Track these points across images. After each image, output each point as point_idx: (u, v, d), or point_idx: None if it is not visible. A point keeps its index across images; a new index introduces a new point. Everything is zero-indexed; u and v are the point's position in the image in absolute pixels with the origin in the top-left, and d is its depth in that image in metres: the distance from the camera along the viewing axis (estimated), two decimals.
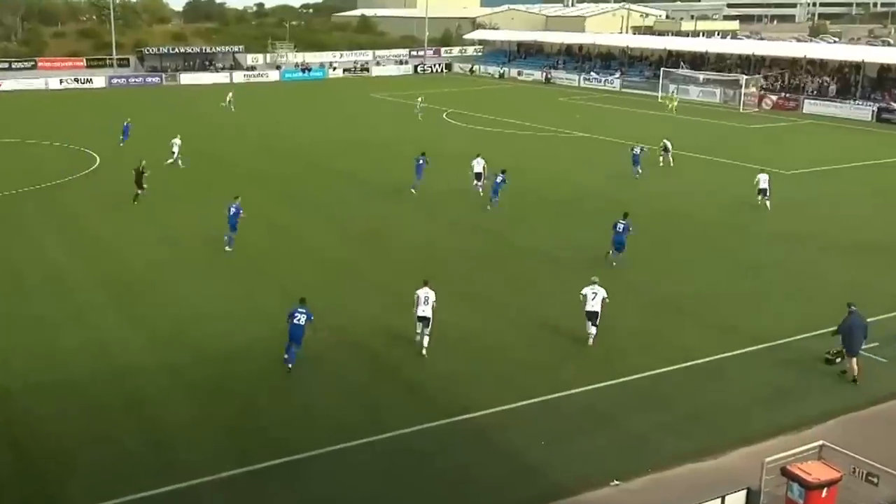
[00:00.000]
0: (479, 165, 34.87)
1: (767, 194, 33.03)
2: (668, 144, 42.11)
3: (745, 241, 29.39)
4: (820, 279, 25.20)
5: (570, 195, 36.02)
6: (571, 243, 28.86)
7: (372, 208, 33.66)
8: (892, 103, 60.34)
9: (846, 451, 13.70)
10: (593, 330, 20.46)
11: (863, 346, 18.92)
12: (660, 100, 63.42)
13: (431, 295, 20.06)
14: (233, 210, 27.98)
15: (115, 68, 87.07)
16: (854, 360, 18.72)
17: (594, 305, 20.37)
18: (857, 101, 62.20)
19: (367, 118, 59.54)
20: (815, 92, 65.84)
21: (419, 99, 60.25)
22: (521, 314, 22.45)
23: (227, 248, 27.70)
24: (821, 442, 14.20)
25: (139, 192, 33.95)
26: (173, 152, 41.31)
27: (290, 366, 18.88)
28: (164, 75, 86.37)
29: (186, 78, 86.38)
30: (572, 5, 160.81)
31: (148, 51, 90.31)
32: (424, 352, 19.72)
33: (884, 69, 65.54)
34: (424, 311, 19.91)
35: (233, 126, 55.43)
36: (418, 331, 20.10)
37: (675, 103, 62.78)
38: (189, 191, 36.84)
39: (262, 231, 30.17)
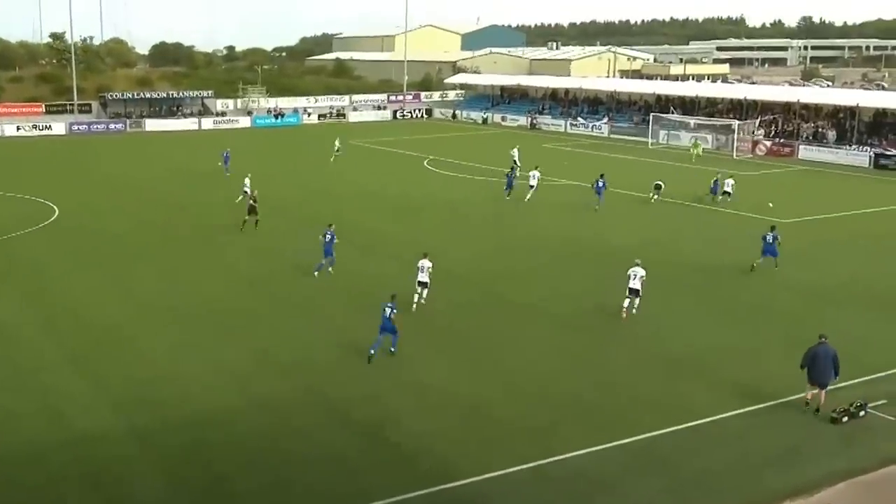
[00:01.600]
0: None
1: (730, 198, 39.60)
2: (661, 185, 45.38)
3: (746, 291, 29.55)
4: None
5: (560, 245, 36.13)
6: (564, 295, 28.89)
7: (353, 262, 33.58)
8: (890, 149, 61.36)
9: None
10: (626, 303, 26.08)
11: (832, 380, 19.72)
12: (690, 149, 64.29)
13: (428, 264, 26.80)
14: (328, 237, 30.81)
15: (76, 114, 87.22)
16: (820, 391, 19.63)
17: (635, 284, 25.91)
18: (853, 147, 63.26)
19: (343, 166, 59.74)
20: (810, 138, 66.92)
21: (336, 141, 61.66)
22: (510, 372, 22.36)
23: (322, 266, 30.70)
24: None
25: (256, 218, 37.91)
26: (245, 191, 42.86)
27: (371, 351, 22.58)
28: (128, 121, 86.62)
29: (152, 124, 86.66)
30: (557, 48, 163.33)
31: (111, 96, 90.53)
32: (414, 307, 26.36)
33: (879, 114, 66.86)
34: (422, 277, 26.79)
35: (201, 174, 55.43)
36: (417, 291, 26.75)
37: (699, 150, 63.63)
38: (155, 244, 36.66)
39: (232, 283, 30.05)
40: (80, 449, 18.15)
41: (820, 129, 67.54)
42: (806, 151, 64.67)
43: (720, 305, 28.15)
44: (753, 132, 69.08)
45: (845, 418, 19.31)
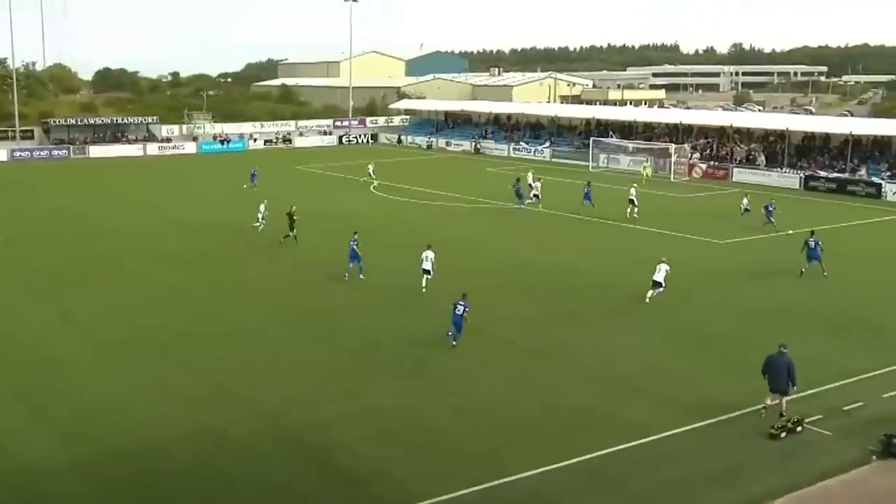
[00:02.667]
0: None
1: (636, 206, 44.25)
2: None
3: (688, 312, 29.91)
4: (760, 350, 25.57)
5: (507, 267, 36.27)
6: (510, 318, 28.97)
7: (298, 284, 33.35)
8: (818, 171, 62.98)
9: None
10: (650, 293, 30.01)
11: (789, 389, 20.28)
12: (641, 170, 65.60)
13: (431, 255, 31.32)
14: (353, 244, 33.52)
15: (19, 141, 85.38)
16: (780, 398, 20.24)
17: (658, 276, 29.94)
18: (783, 169, 64.79)
19: (290, 190, 59.32)
20: (743, 161, 68.38)
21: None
22: (459, 395, 22.29)
23: (351, 271, 33.53)
24: None
25: (292, 233, 39.63)
26: (259, 216, 43.28)
27: (453, 343, 25.49)
28: (72, 147, 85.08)
29: (96, 150, 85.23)
30: (499, 74, 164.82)
31: (54, 122, 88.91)
32: (424, 290, 31.09)
33: (807, 137, 68.63)
34: (426, 265, 31.20)
35: (147, 201, 54.66)
36: (424, 277, 31.22)
37: (649, 172, 65.05)
38: (97, 270, 35.99)
39: (175, 311, 29.59)
40: (22, 482, 17.60)
41: (752, 153, 69.09)
42: (739, 174, 66.02)
43: (661, 327, 28.39)
44: (689, 156, 70.37)
45: (784, 434, 19.64)
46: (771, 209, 44.23)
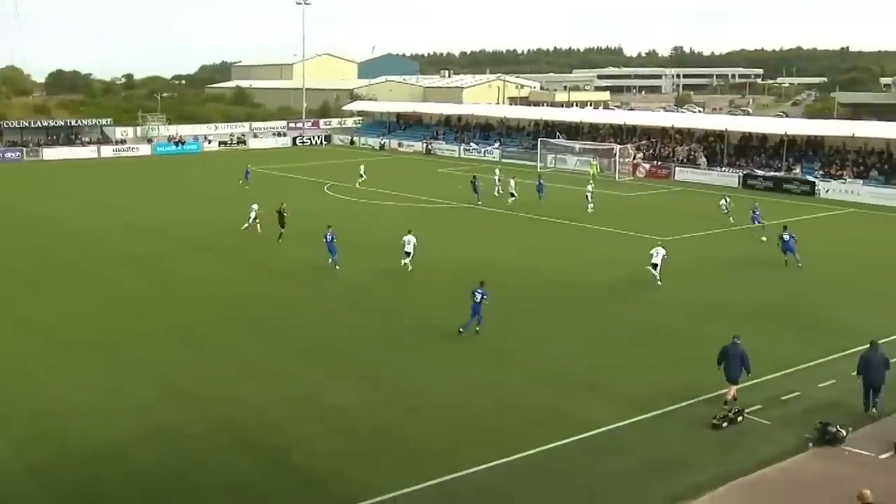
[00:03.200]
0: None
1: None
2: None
3: (633, 308, 30.13)
4: (703, 344, 25.94)
5: (456, 266, 36.25)
6: (459, 316, 28.89)
7: (254, 286, 33.01)
8: (756, 170, 64.07)
9: None
10: (651, 271, 32.74)
11: (743, 377, 20.93)
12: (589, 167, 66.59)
13: (412, 238, 34.36)
14: (329, 237, 35.41)
15: None
16: (731, 386, 20.75)
17: (655, 259, 32.45)
18: (723, 168, 65.78)
19: (244, 192, 58.71)
20: (684, 160, 69.27)
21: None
22: (411, 393, 22.19)
23: (331, 263, 35.35)
24: None
25: (282, 230, 40.34)
26: (250, 216, 42.65)
27: (476, 329, 26.44)
28: (25, 150, 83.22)
29: (50, 153, 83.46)
30: (449, 76, 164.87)
31: (7, 124, 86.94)
32: (410, 268, 34.20)
33: (745, 137, 69.76)
34: (407, 248, 34.26)
35: (102, 203, 53.67)
36: (404, 259, 34.22)
37: (597, 170, 65.93)
38: (51, 272, 35.26)
39: (130, 313, 29.08)
40: None
41: (693, 152, 70.04)
42: (681, 173, 66.85)
43: (605, 323, 28.58)
44: (634, 156, 71.10)
45: (725, 424, 19.89)
46: (757, 213, 44.46)
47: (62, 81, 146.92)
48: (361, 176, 61.82)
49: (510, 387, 22.67)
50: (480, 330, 26.60)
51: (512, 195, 51.91)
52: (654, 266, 32.85)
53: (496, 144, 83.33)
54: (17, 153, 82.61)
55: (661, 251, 32.97)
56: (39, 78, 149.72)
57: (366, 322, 28.44)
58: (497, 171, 58.44)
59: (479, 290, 26.65)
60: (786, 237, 35.70)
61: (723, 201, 47.01)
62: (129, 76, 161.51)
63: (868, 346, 21.12)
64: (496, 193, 54.27)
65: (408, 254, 34.39)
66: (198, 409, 20.91)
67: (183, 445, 18.95)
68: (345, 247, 36.36)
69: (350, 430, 19.90)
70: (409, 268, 34.39)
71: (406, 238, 34.64)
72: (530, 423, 20.25)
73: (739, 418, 20.16)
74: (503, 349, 25.77)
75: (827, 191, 58.42)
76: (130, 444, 18.94)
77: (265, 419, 20.42)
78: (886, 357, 20.80)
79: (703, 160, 67.85)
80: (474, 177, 55.86)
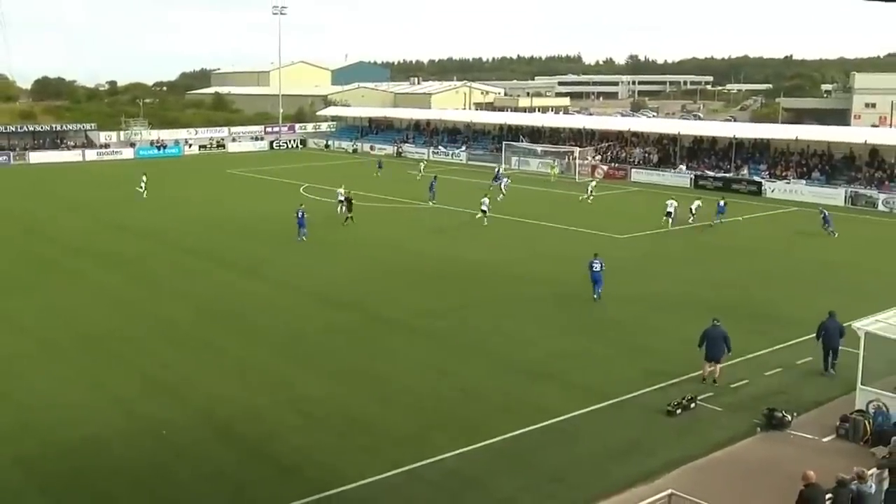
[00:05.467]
0: None
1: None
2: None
3: (589, 302, 30.20)
4: (657, 336, 26.16)
5: (424, 264, 36.16)
6: (426, 311, 28.88)
7: (230, 285, 32.67)
8: (706, 171, 64.61)
9: (692, 497, 14.08)
10: (665, 219, 43.32)
11: (725, 356, 21.90)
12: (549, 170, 67.09)
13: (342, 191, 44.35)
14: (300, 214, 40.09)
15: None
16: (715, 365, 21.71)
17: (670, 208, 41.05)
18: (676, 170, 66.24)
19: (222, 194, 58.16)
20: (640, 162, 69.67)
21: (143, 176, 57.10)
22: (382, 383, 22.08)
23: (303, 239, 39.63)
24: (670, 491, 14.57)
25: (349, 215, 43.58)
26: (340, 201, 46.47)
27: (595, 296, 29.65)
28: (11, 154, 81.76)
29: (36, 157, 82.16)
30: (418, 83, 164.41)
31: None
32: (346, 221, 42.06)
33: (697, 140, 70.29)
34: (340, 198, 43.42)
35: (82, 204, 52.84)
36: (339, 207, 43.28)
37: (556, 171, 66.60)
38: (33, 272, 34.66)
39: (113, 311, 28.67)
40: None
41: (647, 154, 70.45)
42: (637, 174, 67.22)
43: (566, 316, 28.60)
44: (593, 157, 71.39)
45: (679, 411, 20.00)
46: (724, 207, 45.70)
47: (48, 88, 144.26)
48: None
49: (474, 376, 22.62)
50: (598, 298, 29.68)
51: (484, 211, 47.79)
52: (669, 214, 42.91)
53: (463, 147, 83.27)
54: (5, 157, 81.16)
55: (674, 203, 44.02)
56: (25, 84, 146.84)
57: (336, 317, 28.27)
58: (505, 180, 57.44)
59: (597, 260, 29.83)
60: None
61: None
62: (112, 83, 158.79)
63: (828, 314, 22.80)
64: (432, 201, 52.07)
65: (341, 202, 44.29)
66: (178, 403, 20.63)
67: (164, 437, 18.69)
68: (318, 247, 36.18)
69: (323, 420, 19.75)
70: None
71: (338, 191, 45.92)
72: (494, 411, 20.22)
73: (692, 405, 20.28)
74: (464, 341, 25.70)
75: (773, 190, 59.04)
76: (114, 437, 18.68)
77: (242, 411, 20.20)
78: (842, 325, 22.09)
79: (655, 157, 68.27)
80: (434, 177, 55.81)
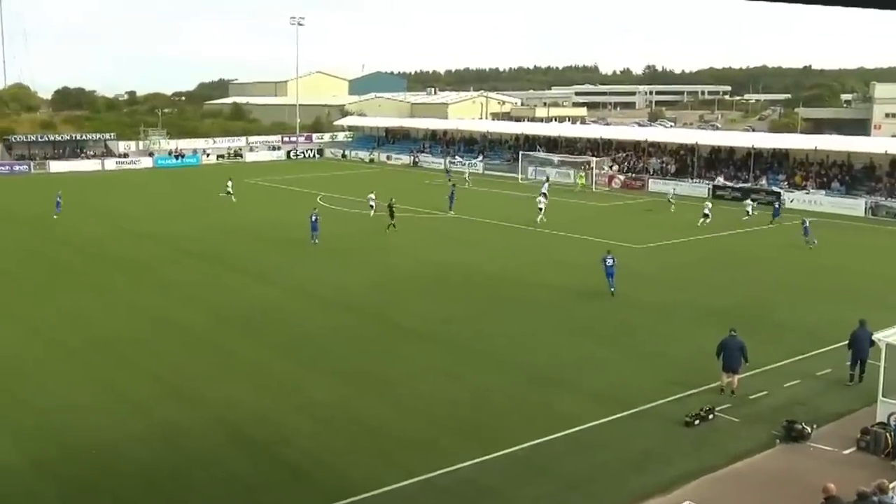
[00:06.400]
0: None
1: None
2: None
3: (604, 309, 30.07)
4: (673, 345, 26.01)
5: (436, 271, 36.13)
6: (440, 317, 28.87)
7: (243, 291, 32.79)
8: (724, 181, 64.28)
9: None
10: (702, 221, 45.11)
11: (742, 366, 21.71)
12: (576, 180, 67.12)
13: (373, 196, 48.98)
14: (314, 217, 41.64)
15: None
16: (732, 376, 21.49)
17: (609, 262, 31.75)
18: (694, 180, 65.95)
19: (239, 202, 58.44)
20: (657, 172, 69.44)
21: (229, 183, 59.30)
22: (394, 389, 22.06)
23: (315, 242, 40.92)
24: (687, 502, 14.47)
25: (392, 221, 44.59)
26: (371, 206, 49.33)
27: (612, 290, 31.23)
28: (32, 163, 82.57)
29: (56, 166, 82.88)
30: (435, 93, 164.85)
31: (16, 138, 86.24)
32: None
33: (714, 150, 69.99)
34: (371, 203, 46.53)
35: (103, 211, 53.26)
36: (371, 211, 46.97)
37: (583, 181, 66.34)
38: (49, 277, 34.95)
39: (127, 316, 28.85)
40: None
41: (665, 164, 70.20)
42: (654, 184, 66.99)
43: (576, 323, 28.52)
44: (611, 167, 71.24)
45: (697, 422, 19.83)
46: (779, 207, 48.28)
47: (68, 98, 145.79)
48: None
49: (487, 383, 22.56)
50: (615, 291, 31.05)
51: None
52: (706, 216, 45.16)
53: (479, 157, 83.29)
54: (26, 166, 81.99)
55: (709, 205, 46.68)
56: (46, 95, 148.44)
57: (349, 323, 28.34)
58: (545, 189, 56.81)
59: (609, 256, 31.40)
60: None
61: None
62: (131, 93, 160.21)
63: (858, 323, 22.45)
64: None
65: (371, 207, 48.38)
66: (192, 407, 20.70)
67: (178, 441, 18.76)
68: (329, 252, 36.30)
69: (336, 424, 19.74)
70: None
71: (369, 196, 49.27)
72: (509, 420, 20.12)
73: (711, 416, 20.10)
74: (478, 348, 25.65)
75: (791, 200, 58.62)
76: (129, 441, 18.75)
77: (255, 415, 20.24)
78: (872, 335, 21.48)
79: (674, 170, 68.06)
80: (453, 185, 55.94)
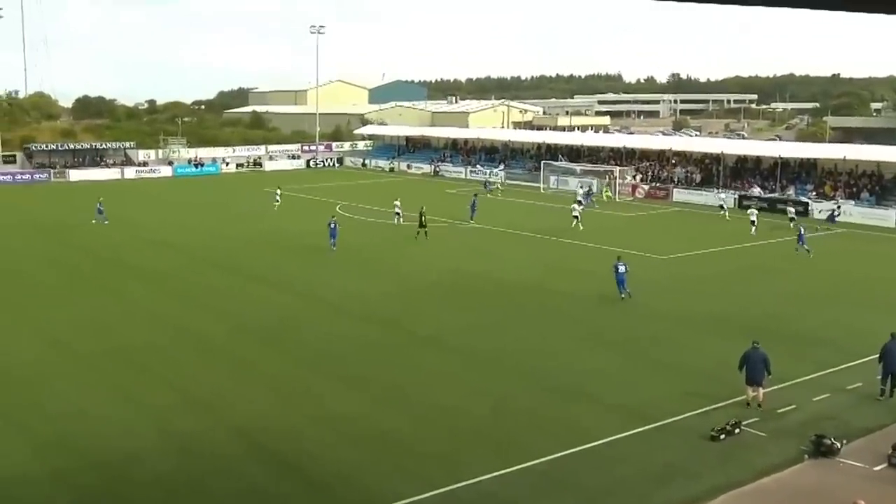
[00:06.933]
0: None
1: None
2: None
3: (625, 320, 29.93)
4: (696, 357, 25.82)
5: (457, 281, 36.11)
6: (460, 328, 28.85)
7: (263, 300, 32.93)
8: (751, 190, 63.81)
9: None
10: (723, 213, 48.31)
11: (766, 378, 21.50)
12: (602, 195, 66.90)
13: (398, 203, 50.28)
14: (332, 225, 42.77)
15: (1, 165, 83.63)
16: (757, 389, 21.32)
17: (621, 269, 32.31)
18: (719, 190, 65.56)
19: (258, 212, 58.81)
20: (682, 182, 69.11)
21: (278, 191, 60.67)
22: (416, 402, 22.04)
23: (333, 248, 41.85)
24: None
25: (422, 229, 45.24)
26: (397, 213, 51.10)
27: (626, 295, 31.82)
28: (52, 172, 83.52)
29: (76, 174, 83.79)
30: (456, 102, 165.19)
31: (36, 147, 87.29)
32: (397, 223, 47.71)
33: (740, 160, 69.57)
34: (397, 210, 49.37)
35: (123, 220, 53.74)
36: (395, 218, 49.11)
37: (609, 192, 66.81)
38: (68, 285, 35.29)
39: (146, 325, 29.05)
40: None
41: (689, 174, 69.88)
42: (679, 194, 66.68)
43: (597, 333, 28.41)
44: (634, 177, 71.02)
45: (723, 436, 19.64)
46: (803, 234, 44.95)
47: (88, 106, 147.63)
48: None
49: (506, 395, 22.49)
50: (627, 296, 31.98)
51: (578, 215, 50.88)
52: (753, 223, 46.77)
53: (501, 167, 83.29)
54: (46, 174, 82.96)
55: (755, 212, 48.60)
56: (67, 103, 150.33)
57: (369, 333, 28.38)
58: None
59: (620, 263, 32.39)
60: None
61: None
62: (151, 102, 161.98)
63: (890, 336, 22.23)
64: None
65: (398, 215, 49.63)
66: (210, 417, 20.79)
67: (196, 452, 18.84)
68: (349, 261, 36.34)
69: (356, 437, 19.73)
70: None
71: (395, 203, 51.00)
72: (530, 433, 20.02)
73: (737, 430, 19.91)
74: (498, 359, 25.60)
75: (819, 211, 58.12)
76: (146, 451, 18.86)
77: (275, 427, 20.30)
78: None
79: (697, 176, 67.71)
80: (474, 195, 56.06)
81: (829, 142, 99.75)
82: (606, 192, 66.92)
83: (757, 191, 63.84)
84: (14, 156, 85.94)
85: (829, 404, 21.82)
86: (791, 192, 62.45)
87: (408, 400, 22.21)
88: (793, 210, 52.47)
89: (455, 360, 25.60)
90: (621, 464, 18.49)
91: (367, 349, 26.52)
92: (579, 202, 53.52)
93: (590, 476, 17.90)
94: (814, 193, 61.25)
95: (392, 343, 27.30)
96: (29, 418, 20.76)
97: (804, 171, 65.34)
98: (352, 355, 25.89)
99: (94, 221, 51.85)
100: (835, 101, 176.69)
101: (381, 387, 23.18)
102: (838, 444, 18.86)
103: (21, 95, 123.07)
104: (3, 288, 34.68)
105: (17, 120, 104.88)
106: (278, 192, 60.50)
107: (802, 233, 43.14)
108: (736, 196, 63.35)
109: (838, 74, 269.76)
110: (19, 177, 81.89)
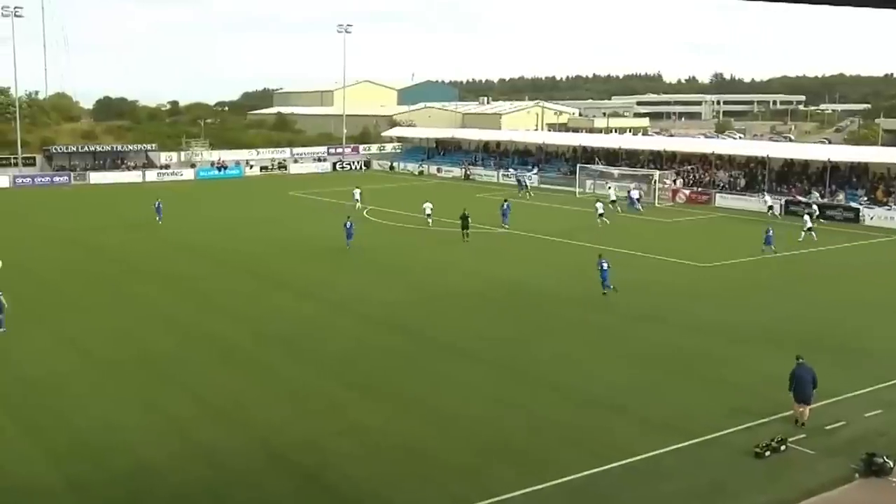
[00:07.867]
0: None
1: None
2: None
3: (661, 332, 29.69)
4: (738, 370, 25.55)
5: (485, 289, 36.06)
6: (487, 337, 28.81)
7: (286, 308, 33.14)
8: (798, 196, 63.09)
9: None
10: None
11: (813, 395, 21.09)
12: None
13: (430, 205, 52.68)
14: (348, 225, 44.83)
15: (21, 167, 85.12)
16: (804, 407, 20.93)
17: (604, 266, 34.18)
18: (764, 195, 64.85)
19: (283, 217, 59.21)
20: (725, 186, 68.53)
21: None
22: (442, 414, 22.05)
23: (349, 247, 44.09)
24: None
25: (465, 231, 46.95)
26: (428, 214, 52.63)
27: (609, 291, 33.83)
28: (72, 174, 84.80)
29: (96, 177, 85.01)
30: (488, 103, 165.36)
31: (56, 149, 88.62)
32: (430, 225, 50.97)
33: (787, 164, 68.84)
34: (427, 212, 52.05)
35: (146, 225, 54.40)
36: (428, 220, 51.85)
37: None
38: (89, 292, 35.73)
39: (167, 332, 29.34)
40: (17, 502, 17.27)
41: (733, 178, 69.27)
42: (722, 199, 66.14)
43: (632, 344, 28.21)
44: (675, 181, 70.55)
45: (768, 453, 19.41)
46: (771, 237, 45.01)
47: (109, 108, 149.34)
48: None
49: (537, 408, 22.42)
50: (610, 292, 33.77)
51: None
52: (809, 230, 46.33)
53: (534, 170, 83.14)
54: (66, 177, 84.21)
55: (808, 219, 47.76)
56: (87, 104, 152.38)
57: (393, 341, 28.48)
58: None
59: (604, 260, 34.31)
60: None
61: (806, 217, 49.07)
62: (173, 103, 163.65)
63: None
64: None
65: (428, 216, 52.36)
66: (232, 428, 20.95)
67: (218, 463, 18.99)
68: (373, 268, 36.39)
69: (381, 449, 19.78)
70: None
71: (426, 205, 52.69)
72: (563, 448, 19.95)
73: (783, 447, 19.67)
74: (527, 370, 25.54)
75: (871, 217, 57.36)
76: (167, 461, 19.04)
77: (297, 438, 20.40)
78: None
79: (742, 185, 67.06)
80: (505, 200, 56.01)
81: (882, 145, 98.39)
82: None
83: (815, 196, 62.73)
84: (34, 158, 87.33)
85: (881, 421, 21.49)
86: (841, 197, 61.67)
87: (436, 412, 22.21)
88: (808, 218, 50.75)
89: (485, 370, 25.57)
90: (660, 480, 18.34)
91: (394, 358, 26.59)
92: (613, 202, 56.91)
93: (630, 493, 17.78)
94: (865, 199, 60.42)
95: (419, 352, 27.34)
96: (48, 427, 21.06)
97: (855, 176, 64.50)
98: (377, 365, 25.98)
99: (158, 221, 54.47)
100: (887, 102, 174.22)
101: (407, 398, 23.21)
102: (891, 464, 18.58)
103: (41, 96, 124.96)
104: (25, 294, 35.09)
105: (36, 121, 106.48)
106: (358, 191, 62.79)
107: (770, 234, 43.71)
108: (782, 202, 62.66)
109: (891, 74, 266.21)
110: (39, 179, 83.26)
